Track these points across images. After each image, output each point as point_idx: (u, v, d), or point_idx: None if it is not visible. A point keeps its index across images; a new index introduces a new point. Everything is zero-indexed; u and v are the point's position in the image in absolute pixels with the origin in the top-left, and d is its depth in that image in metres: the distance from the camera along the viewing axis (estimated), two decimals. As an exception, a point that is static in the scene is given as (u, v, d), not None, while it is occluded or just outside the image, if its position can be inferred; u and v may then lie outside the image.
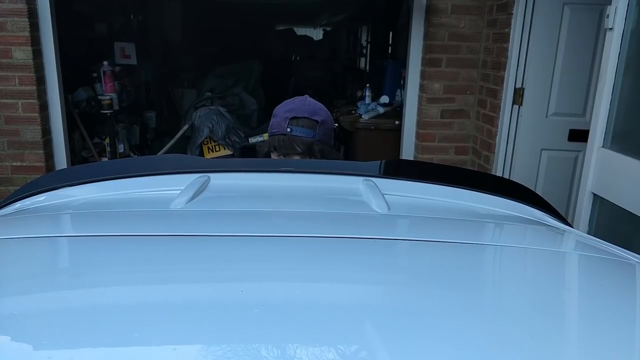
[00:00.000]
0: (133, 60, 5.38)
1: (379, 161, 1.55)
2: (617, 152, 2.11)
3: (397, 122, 4.13)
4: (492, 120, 3.39)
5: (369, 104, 4.49)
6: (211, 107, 4.86)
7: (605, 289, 0.77)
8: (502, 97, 3.27)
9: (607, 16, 2.14)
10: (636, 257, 0.89)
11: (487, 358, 0.56)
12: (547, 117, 3.26)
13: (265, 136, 5.08)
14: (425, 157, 3.72)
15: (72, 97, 4.55)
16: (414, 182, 1.21)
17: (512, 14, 3.15)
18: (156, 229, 0.93)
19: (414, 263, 0.83)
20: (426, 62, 3.60)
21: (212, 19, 6.82)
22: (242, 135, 4.85)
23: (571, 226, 1.21)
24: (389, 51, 6.27)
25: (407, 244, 0.90)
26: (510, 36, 3.17)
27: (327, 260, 0.80)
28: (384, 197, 1.07)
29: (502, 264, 0.87)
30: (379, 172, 1.39)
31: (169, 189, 1.11)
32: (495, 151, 3.38)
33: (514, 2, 3.13)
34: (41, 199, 1.13)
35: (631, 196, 2.01)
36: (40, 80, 3.42)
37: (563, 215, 1.26)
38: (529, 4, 3.12)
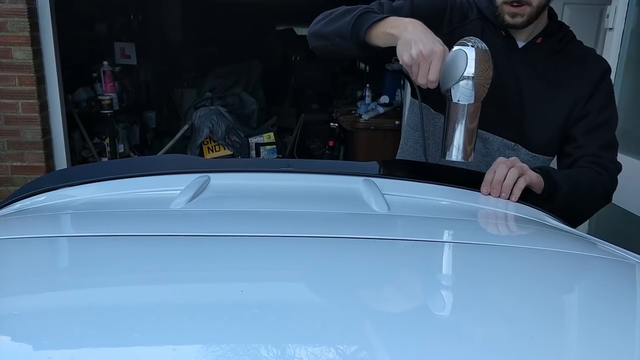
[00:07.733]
0: (133, 60, 5.38)
1: (379, 161, 1.55)
2: (617, 152, 2.11)
3: (397, 122, 4.13)
4: (492, 120, 3.38)
5: (369, 104, 4.49)
6: (211, 107, 4.86)
7: (606, 289, 0.77)
8: (502, 97, 3.26)
9: (607, 16, 2.14)
10: (636, 257, 0.89)
11: (487, 358, 0.56)
12: (547, 117, 3.25)
13: (265, 136, 5.08)
14: (425, 157, 3.70)
15: (72, 97, 4.55)
16: (414, 182, 1.21)
17: (512, 14, 3.15)
18: (156, 229, 0.93)
19: (414, 263, 0.83)
20: (426, 62, 3.59)
21: (212, 19, 6.82)
22: (242, 135, 4.86)
23: (571, 226, 1.21)
24: (389, 51, 6.24)
25: (407, 244, 0.90)
26: (510, 36, 3.16)
27: (327, 260, 0.80)
28: (384, 197, 1.07)
29: (502, 264, 0.87)
30: (379, 172, 1.39)
31: (169, 189, 1.11)
32: (495, 151, 3.37)
33: (514, 2, 3.13)
34: (41, 199, 1.13)
35: (632, 196, 2.01)
36: (40, 80, 3.42)
37: (563, 215, 1.26)
38: (529, 4, 3.12)
